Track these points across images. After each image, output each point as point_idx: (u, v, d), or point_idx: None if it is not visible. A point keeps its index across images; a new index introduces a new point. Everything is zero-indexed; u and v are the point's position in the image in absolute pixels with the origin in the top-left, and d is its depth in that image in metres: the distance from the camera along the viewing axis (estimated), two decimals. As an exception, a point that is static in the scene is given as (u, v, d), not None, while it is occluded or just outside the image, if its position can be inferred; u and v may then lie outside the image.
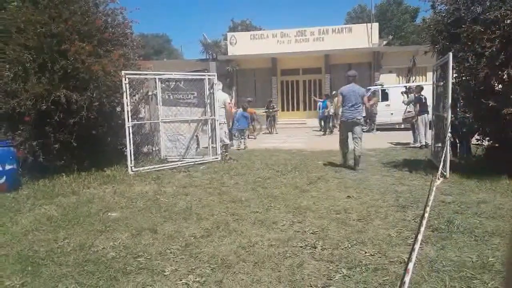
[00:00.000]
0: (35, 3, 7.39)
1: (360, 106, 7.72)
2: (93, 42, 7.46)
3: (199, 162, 8.70)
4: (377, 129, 16.76)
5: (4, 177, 6.32)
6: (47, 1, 7.35)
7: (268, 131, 18.64)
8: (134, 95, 8.74)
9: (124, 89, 7.60)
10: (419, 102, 10.98)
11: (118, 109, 8.30)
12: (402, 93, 12.85)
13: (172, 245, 3.80)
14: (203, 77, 9.26)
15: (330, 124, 17.22)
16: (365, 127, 17.15)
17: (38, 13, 7.17)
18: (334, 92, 18.27)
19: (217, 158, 8.97)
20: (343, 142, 8.05)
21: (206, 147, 9.27)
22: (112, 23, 8.30)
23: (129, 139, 7.67)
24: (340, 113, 8.33)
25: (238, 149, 11.87)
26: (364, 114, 17.08)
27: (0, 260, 3.58)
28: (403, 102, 12.47)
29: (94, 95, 7.23)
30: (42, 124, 7.13)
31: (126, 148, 7.74)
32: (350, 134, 7.87)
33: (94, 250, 3.77)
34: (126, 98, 7.67)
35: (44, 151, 7.19)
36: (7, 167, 6.35)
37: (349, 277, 3.03)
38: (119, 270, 3.31)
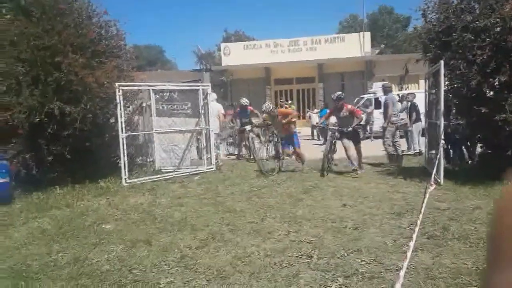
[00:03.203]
0: (28, 16, 7.39)
1: None
2: (86, 54, 7.46)
3: (194, 172, 8.67)
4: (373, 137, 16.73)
5: (-3, 191, 6.26)
6: (41, 14, 7.36)
7: None
8: (128, 107, 8.72)
9: (118, 101, 7.59)
10: (415, 110, 11.05)
11: (112, 120, 8.27)
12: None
13: (167, 257, 3.78)
14: (197, 87, 9.27)
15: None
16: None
17: (32, 26, 7.17)
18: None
19: (211, 168, 8.95)
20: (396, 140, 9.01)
21: (201, 158, 9.24)
22: (105, 35, 8.31)
23: (123, 150, 7.64)
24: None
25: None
26: (363, 122, 17.20)
27: (-8, 276, 3.54)
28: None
29: (88, 107, 7.21)
30: (35, 136, 7.08)
31: (120, 160, 7.70)
32: None
33: (89, 263, 3.74)
34: (120, 109, 7.66)
35: (37, 164, 7.14)
36: (0, 180, 6.30)
37: (345, 286, 3.02)
38: (114, 283, 3.28)
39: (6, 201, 6.34)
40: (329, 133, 8.54)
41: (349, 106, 8.41)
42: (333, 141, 8.34)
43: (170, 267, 3.55)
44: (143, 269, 3.52)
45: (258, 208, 5.50)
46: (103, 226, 4.96)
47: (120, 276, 3.39)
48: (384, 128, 9.17)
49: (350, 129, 7.93)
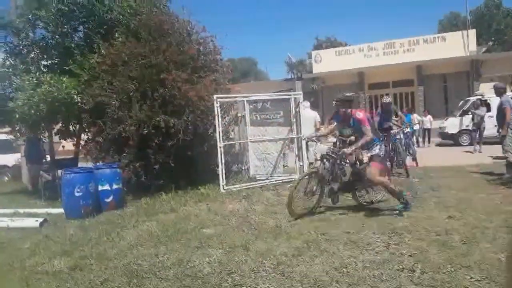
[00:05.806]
0: (137, 38, 8.20)
1: None
2: (187, 70, 8.03)
3: (287, 180, 8.73)
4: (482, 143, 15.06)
5: (112, 196, 7.00)
6: (147, 35, 8.11)
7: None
8: (225, 117, 9.13)
9: (216, 112, 7.98)
10: None
11: (211, 131, 8.73)
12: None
13: (264, 263, 3.85)
14: (288, 96, 9.38)
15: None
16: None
17: (140, 47, 7.94)
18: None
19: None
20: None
21: (290, 166, 9.27)
22: (203, 51, 8.87)
23: (221, 159, 7.99)
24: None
25: None
26: (470, 127, 15.62)
27: (110, 272, 3.95)
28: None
29: (189, 119, 7.73)
30: (144, 147, 7.77)
31: (218, 168, 8.07)
32: None
33: (191, 265, 3.96)
34: (218, 120, 8.05)
35: (145, 172, 7.81)
36: (114, 186, 7.03)
37: (453, 305, 2.80)
38: (215, 285, 3.44)
39: (120, 205, 7.04)
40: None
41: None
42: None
43: (268, 273, 3.61)
44: (242, 274, 3.63)
45: (354, 218, 5.35)
46: (204, 230, 5.24)
47: (221, 280, 3.54)
48: (503, 136, 8.20)
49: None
